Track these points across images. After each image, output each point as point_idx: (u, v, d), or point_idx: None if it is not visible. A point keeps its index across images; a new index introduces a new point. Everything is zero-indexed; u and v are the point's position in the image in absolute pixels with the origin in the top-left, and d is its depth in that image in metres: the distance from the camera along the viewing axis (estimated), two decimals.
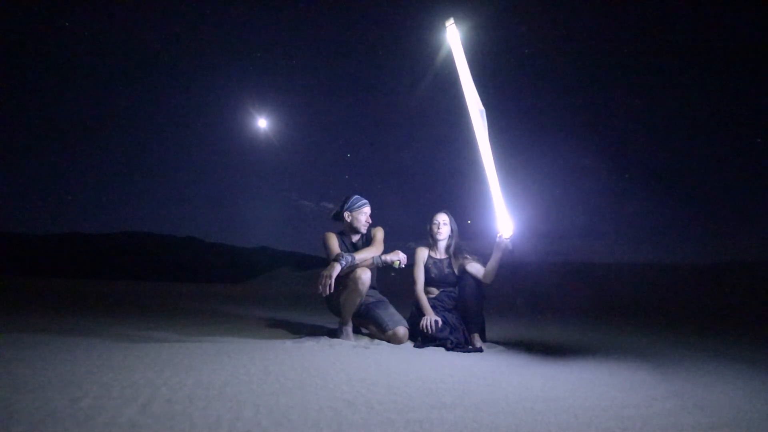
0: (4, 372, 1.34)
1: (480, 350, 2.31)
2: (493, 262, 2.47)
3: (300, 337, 2.56)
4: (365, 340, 2.47)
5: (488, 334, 2.66)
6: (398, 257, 2.50)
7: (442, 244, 2.69)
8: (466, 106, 2.34)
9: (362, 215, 2.66)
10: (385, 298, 2.67)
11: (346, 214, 2.68)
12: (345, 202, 2.69)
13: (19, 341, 1.99)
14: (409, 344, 2.43)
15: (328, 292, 2.28)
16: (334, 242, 2.59)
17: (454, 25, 2.37)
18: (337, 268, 2.32)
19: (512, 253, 2.39)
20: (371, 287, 2.56)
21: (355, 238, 2.71)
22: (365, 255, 2.47)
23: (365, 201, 2.69)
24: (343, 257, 2.36)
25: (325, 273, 2.30)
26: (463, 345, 2.35)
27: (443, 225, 2.67)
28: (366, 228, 2.69)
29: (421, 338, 2.43)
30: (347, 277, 2.42)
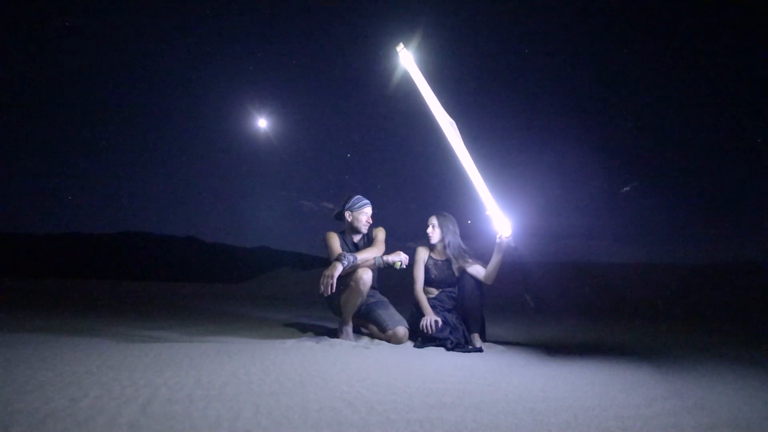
0: (4, 372, 1.33)
1: (480, 350, 2.32)
2: (494, 263, 2.47)
3: (300, 337, 2.56)
4: (365, 340, 2.47)
5: (488, 334, 2.67)
6: (400, 258, 2.50)
7: (439, 246, 2.69)
8: (436, 122, 2.41)
9: (363, 215, 2.66)
10: (385, 299, 2.67)
11: (347, 214, 2.68)
12: (346, 201, 2.69)
13: (19, 341, 1.98)
14: (409, 344, 2.43)
15: (329, 292, 2.28)
16: (335, 242, 2.59)
17: (404, 49, 2.43)
18: (338, 268, 2.32)
19: (516, 251, 2.40)
20: (372, 287, 2.56)
21: (357, 238, 2.71)
22: (367, 255, 2.47)
23: (367, 201, 2.69)
24: (344, 257, 2.36)
25: (327, 273, 2.30)
26: (463, 345, 2.35)
27: (433, 228, 2.67)
28: (367, 228, 2.69)
29: (421, 338, 2.43)
30: (349, 277, 2.42)
